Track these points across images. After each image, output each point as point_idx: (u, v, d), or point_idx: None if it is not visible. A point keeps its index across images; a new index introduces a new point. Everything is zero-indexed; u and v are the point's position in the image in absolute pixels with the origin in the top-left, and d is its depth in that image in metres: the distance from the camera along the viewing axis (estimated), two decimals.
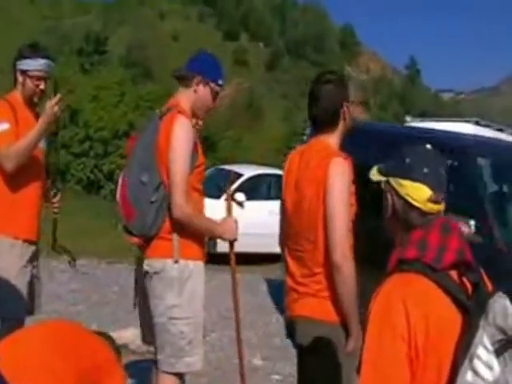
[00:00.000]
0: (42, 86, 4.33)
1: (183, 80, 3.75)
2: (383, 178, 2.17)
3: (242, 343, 4.03)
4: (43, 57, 4.32)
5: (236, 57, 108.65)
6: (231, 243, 3.94)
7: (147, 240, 3.71)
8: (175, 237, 3.62)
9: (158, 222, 3.61)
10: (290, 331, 3.41)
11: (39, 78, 4.30)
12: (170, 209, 3.59)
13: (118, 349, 2.63)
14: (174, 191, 3.55)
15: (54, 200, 4.58)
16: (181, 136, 3.54)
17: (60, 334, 2.40)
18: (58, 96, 4.22)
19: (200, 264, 3.74)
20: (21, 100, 4.33)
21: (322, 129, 3.33)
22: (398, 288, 1.98)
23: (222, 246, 3.95)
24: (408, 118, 10.56)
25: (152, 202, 3.56)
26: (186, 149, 3.55)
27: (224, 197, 13.00)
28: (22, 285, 4.22)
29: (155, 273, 3.67)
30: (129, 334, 6.43)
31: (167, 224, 3.62)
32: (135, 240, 4.01)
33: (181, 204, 3.54)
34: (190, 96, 3.74)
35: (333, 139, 3.33)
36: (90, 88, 25.54)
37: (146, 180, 3.57)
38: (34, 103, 4.39)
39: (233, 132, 28.19)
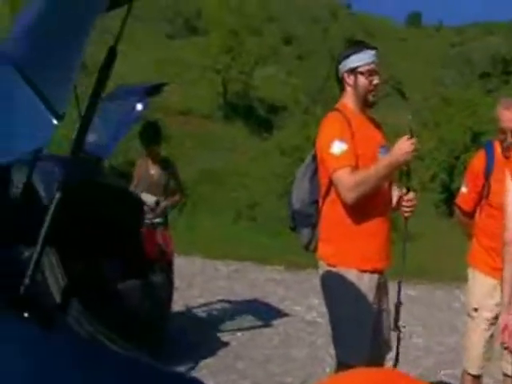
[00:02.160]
0: (375, 81, 3.72)
1: None
2: None
3: None
4: (370, 48, 3.78)
5: None
6: None
7: None
8: None
9: None
10: None
11: (371, 73, 3.72)
12: None
13: None
14: None
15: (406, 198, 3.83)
16: None
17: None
18: (413, 141, 3.60)
19: None
20: (352, 106, 3.77)
21: None
22: None
23: None
24: None
25: None
26: None
27: None
28: (367, 322, 3.64)
29: None
30: None
31: None
32: None
33: None
34: None
35: None
36: (492, 109, 24.36)
37: None
38: (368, 103, 3.78)
39: None
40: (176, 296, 6.79)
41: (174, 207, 7.80)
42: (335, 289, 3.72)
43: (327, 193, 3.71)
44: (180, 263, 9.92)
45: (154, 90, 6.55)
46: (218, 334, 6.98)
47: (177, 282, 8.27)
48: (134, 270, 5.32)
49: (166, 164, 7.01)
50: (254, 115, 20.13)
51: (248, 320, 7.56)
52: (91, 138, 6.71)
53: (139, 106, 5.97)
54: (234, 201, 17.97)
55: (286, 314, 7.98)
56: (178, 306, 7.64)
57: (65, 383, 1.40)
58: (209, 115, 19.93)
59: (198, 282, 9.35)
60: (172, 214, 12.96)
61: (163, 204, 6.75)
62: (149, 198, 6.54)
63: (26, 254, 1.58)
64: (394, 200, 3.85)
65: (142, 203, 5.89)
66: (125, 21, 1.61)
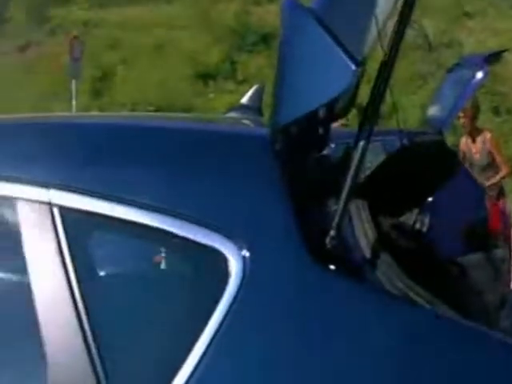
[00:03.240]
0: None
1: None
2: None
3: None
4: None
5: None
6: None
7: None
8: None
9: None
10: None
11: None
12: None
13: None
14: None
15: None
16: None
17: None
18: None
19: None
20: None
21: None
22: None
23: None
24: None
25: None
26: None
27: None
28: None
29: None
30: None
31: None
32: None
33: None
34: None
35: None
36: None
37: None
38: None
39: None
40: None
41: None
42: None
43: None
44: None
45: (494, 57, 6.32)
46: None
47: None
48: (477, 243, 5.18)
49: (483, 138, 6.93)
50: None
51: None
52: (432, 110, 6.67)
53: (479, 75, 5.75)
54: None
55: None
56: None
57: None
58: None
59: None
60: None
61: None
62: None
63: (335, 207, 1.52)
64: None
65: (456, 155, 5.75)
66: None
